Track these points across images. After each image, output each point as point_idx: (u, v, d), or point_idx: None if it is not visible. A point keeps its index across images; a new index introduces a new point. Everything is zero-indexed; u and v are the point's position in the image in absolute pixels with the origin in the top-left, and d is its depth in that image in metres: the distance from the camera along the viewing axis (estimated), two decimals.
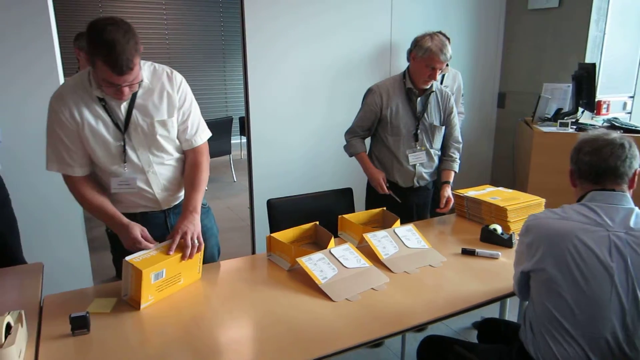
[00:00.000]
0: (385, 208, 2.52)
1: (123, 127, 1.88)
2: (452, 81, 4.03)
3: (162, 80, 1.93)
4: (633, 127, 3.55)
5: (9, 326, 1.40)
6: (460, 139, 2.91)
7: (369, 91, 2.81)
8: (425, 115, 2.76)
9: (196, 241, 1.87)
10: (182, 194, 2.10)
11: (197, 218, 1.92)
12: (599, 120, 3.83)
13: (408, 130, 2.75)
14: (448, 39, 3.86)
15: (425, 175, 2.85)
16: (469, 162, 4.82)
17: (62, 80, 2.98)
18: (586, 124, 3.63)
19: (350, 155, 2.91)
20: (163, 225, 2.08)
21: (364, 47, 3.99)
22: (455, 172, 2.87)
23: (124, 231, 1.85)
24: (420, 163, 2.80)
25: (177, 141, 2.02)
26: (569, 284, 1.46)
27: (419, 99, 2.74)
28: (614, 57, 4.21)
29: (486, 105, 4.88)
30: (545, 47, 4.40)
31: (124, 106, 1.86)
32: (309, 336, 1.57)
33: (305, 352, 1.49)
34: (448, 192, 2.70)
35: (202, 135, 2.08)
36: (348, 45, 3.92)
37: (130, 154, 1.91)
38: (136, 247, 1.82)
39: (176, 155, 2.04)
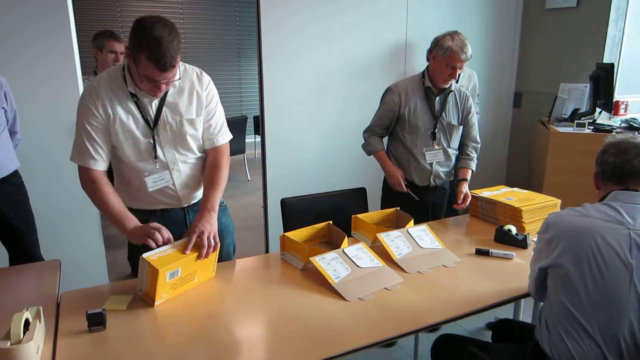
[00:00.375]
0: (399, 208, 2.51)
1: (152, 124, 1.92)
2: (468, 81, 4.01)
3: (192, 80, 1.98)
4: None
5: (27, 322, 1.43)
6: (478, 139, 2.92)
7: (388, 90, 2.84)
8: (444, 114, 2.77)
9: (212, 241, 1.87)
10: (201, 192, 2.12)
11: (214, 217, 1.93)
12: (616, 121, 3.79)
13: (426, 128, 2.77)
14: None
15: (442, 175, 2.85)
16: (484, 161, 4.77)
17: (80, 80, 3.02)
18: (603, 125, 3.59)
19: (369, 154, 2.92)
20: (182, 222, 2.11)
21: (379, 46, 3.99)
22: (472, 170, 2.87)
23: (143, 229, 1.83)
24: (437, 162, 2.81)
25: (201, 140, 2.05)
26: (588, 281, 1.46)
27: (437, 98, 2.76)
28: (633, 57, 4.15)
29: (502, 105, 4.85)
30: (563, 47, 4.36)
31: (154, 103, 1.91)
32: (322, 335, 1.58)
33: (318, 350, 1.50)
34: (465, 188, 2.71)
35: (225, 136, 2.11)
36: (363, 45, 3.92)
37: (157, 150, 1.95)
38: (145, 239, 1.80)
39: (199, 154, 2.07)
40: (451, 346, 1.91)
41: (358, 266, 1.96)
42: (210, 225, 1.89)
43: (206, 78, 2.03)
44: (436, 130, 2.77)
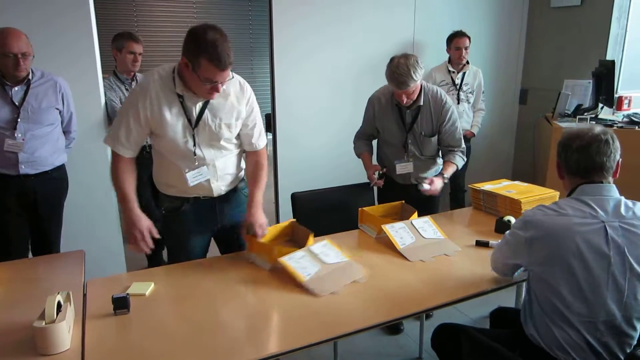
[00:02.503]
0: (404, 201, 2.61)
1: (194, 124, 2.06)
2: (473, 79, 4.09)
3: (235, 88, 2.12)
4: None
5: (59, 304, 1.54)
6: (457, 142, 2.78)
7: (368, 100, 2.89)
8: (415, 126, 2.75)
9: (263, 231, 2.15)
10: (231, 184, 2.27)
11: (261, 210, 2.19)
12: (619, 116, 3.85)
13: (398, 140, 2.79)
14: (468, 37, 3.94)
15: (421, 177, 2.83)
16: (490, 156, 4.87)
17: (100, 77, 3.16)
18: (605, 120, 3.66)
19: (358, 156, 2.98)
20: (212, 210, 2.25)
21: (387, 46, 4.05)
22: (456, 165, 2.76)
23: (136, 221, 1.99)
24: (408, 172, 2.81)
25: (234, 140, 2.19)
26: (570, 278, 1.54)
27: (408, 111, 2.73)
28: (636, 54, 4.21)
29: (508, 102, 4.93)
30: (567, 45, 4.43)
31: (198, 106, 2.04)
32: (330, 319, 1.69)
33: (325, 332, 1.62)
34: (437, 180, 2.64)
35: (264, 139, 2.29)
36: (372, 45, 4.01)
37: (196, 148, 2.09)
38: (133, 238, 1.98)
39: (233, 150, 2.22)
40: (448, 334, 1.99)
41: (325, 262, 2.00)
42: (260, 218, 2.16)
43: (248, 89, 2.16)
44: (408, 142, 2.77)
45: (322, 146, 4.00)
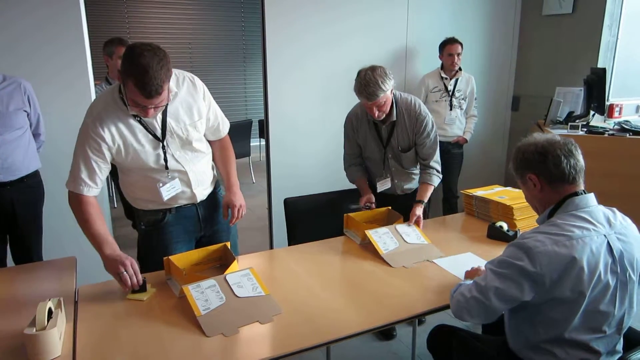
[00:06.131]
0: (390, 207, 2.62)
1: (161, 136, 2.01)
2: (465, 85, 4.12)
3: (186, 86, 2.06)
4: None
5: (50, 311, 1.53)
6: (435, 156, 2.72)
7: (345, 119, 2.83)
8: (393, 140, 2.72)
9: (242, 212, 2.19)
10: (210, 187, 2.26)
11: (239, 190, 2.22)
12: (610, 123, 3.89)
13: (377, 156, 2.77)
14: (461, 44, 3.97)
15: (407, 188, 2.86)
16: (483, 163, 4.90)
17: (92, 83, 3.16)
18: (597, 127, 3.69)
19: (352, 182, 2.91)
20: (195, 217, 2.23)
21: (380, 52, 4.10)
22: (433, 185, 2.69)
23: (118, 260, 1.84)
24: (388, 188, 2.80)
25: (204, 139, 2.18)
26: (578, 298, 1.48)
27: (383, 125, 2.70)
28: (627, 62, 4.26)
29: (501, 108, 4.96)
30: (559, 52, 4.47)
31: (158, 117, 1.98)
32: (322, 324, 1.69)
33: (317, 337, 1.62)
34: (419, 211, 2.51)
35: (226, 126, 2.29)
36: (365, 51, 4.02)
37: (171, 158, 2.05)
38: (117, 276, 1.84)
39: (206, 152, 2.21)
40: (445, 335, 2.00)
41: (236, 295, 1.82)
42: (240, 199, 2.19)
43: (199, 84, 2.09)
44: (387, 158, 2.76)
45: (315, 151, 4.01)
